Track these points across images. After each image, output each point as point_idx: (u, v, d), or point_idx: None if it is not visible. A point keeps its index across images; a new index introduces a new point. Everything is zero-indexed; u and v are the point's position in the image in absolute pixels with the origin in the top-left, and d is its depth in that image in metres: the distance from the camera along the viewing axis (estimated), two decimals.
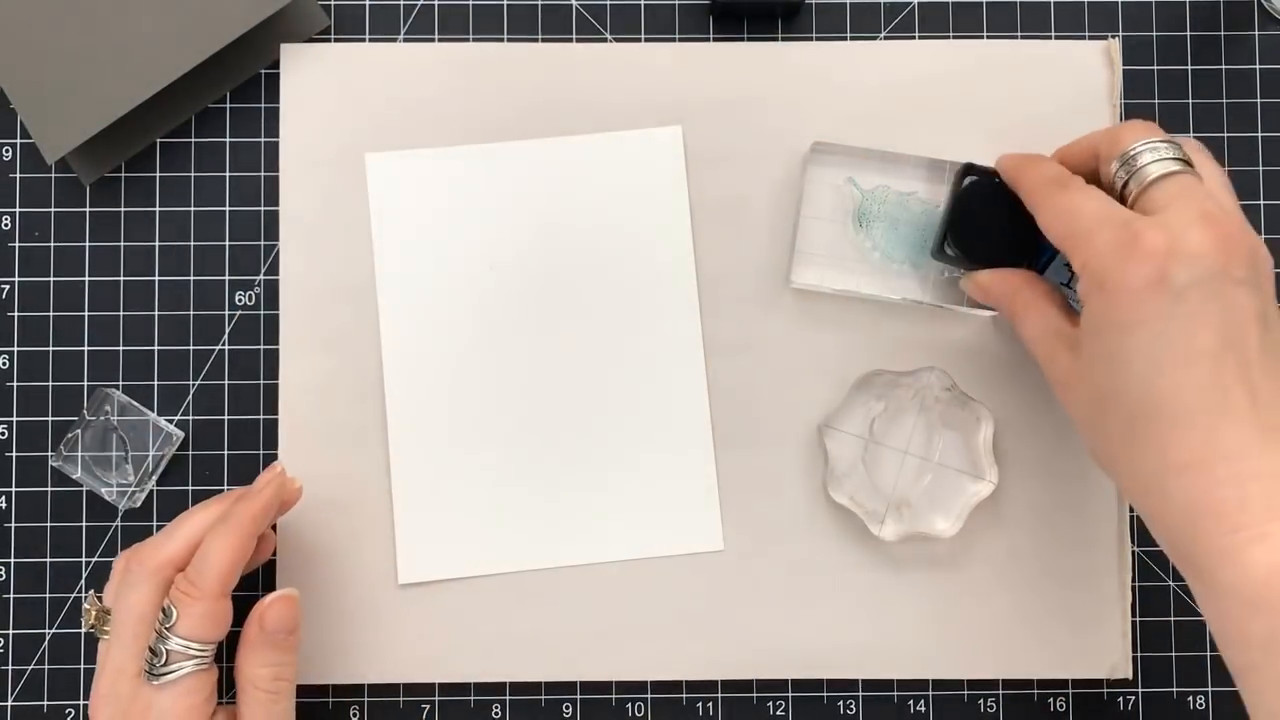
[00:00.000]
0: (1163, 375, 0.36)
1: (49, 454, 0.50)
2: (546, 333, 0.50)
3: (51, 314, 0.51)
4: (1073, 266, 0.40)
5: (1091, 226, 0.38)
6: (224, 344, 0.51)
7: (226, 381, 0.50)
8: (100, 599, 0.44)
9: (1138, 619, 0.50)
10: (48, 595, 0.50)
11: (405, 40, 0.52)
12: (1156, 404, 0.36)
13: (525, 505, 0.49)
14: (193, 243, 0.51)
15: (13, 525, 0.50)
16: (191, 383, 0.51)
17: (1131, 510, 0.50)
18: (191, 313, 0.51)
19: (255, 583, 0.50)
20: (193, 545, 0.43)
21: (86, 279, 0.51)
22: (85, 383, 0.50)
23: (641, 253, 0.50)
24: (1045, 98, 0.51)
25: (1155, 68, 0.52)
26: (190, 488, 0.50)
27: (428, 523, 0.49)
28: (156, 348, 0.51)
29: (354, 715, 0.50)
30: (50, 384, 0.50)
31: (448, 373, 0.50)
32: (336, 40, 0.51)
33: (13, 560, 0.50)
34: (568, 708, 0.50)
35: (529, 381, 0.50)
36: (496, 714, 0.50)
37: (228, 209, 0.51)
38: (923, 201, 0.49)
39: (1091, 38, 0.52)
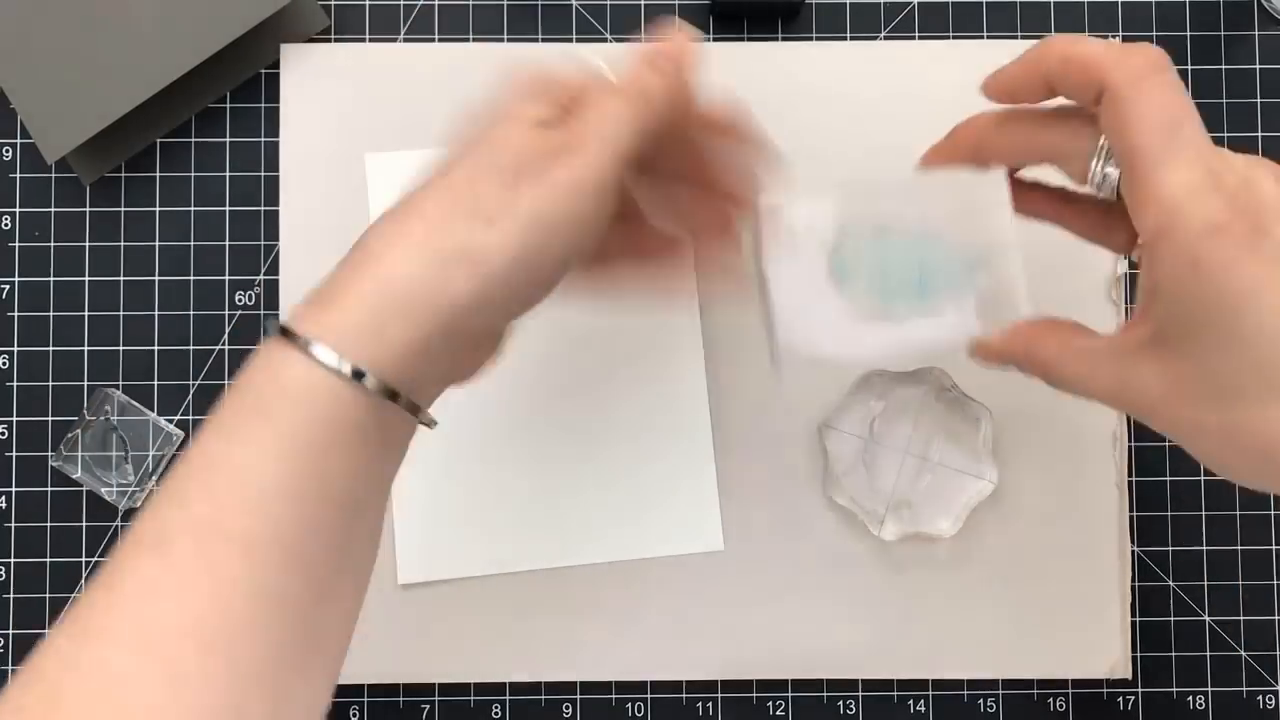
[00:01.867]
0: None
1: (49, 454, 0.50)
2: (546, 332, 0.50)
3: (51, 314, 0.51)
4: (1141, 214, 0.32)
5: (1185, 167, 0.31)
6: (224, 344, 0.51)
7: (226, 381, 0.50)
8: None
9: (1137, 619, 0.50)
10: (48, 595, 0.50)
11: (405, 40, 0.52)
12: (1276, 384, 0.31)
13: (525, 505, 0.49)
14: (193, 243, 0.51)
15: (13, 525, 0.50)
16: (191, 383, 0.51)
17: (1131, 510, 0.50)
18: (191, 313, 0.51)
19: None
20: None
21: (86, 279, 0.51)
22: (85, 383, 0.50)
23: None
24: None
25: None
26: None
27: (427, 523, 0.49)
28: (156, 348, 0.51)
29: (354, 715, 0.50)
30: (50, 384, 0.50)
31: None
32: (336, 40, 0.51)
33: (13, 560, 0.50)
34: (568, 708, 0.50)
35: (528, 381, 0.50)
36: (496, 714, 0.50)
37: (228, 209, 0.51)
38: (907, 229, 0.39)
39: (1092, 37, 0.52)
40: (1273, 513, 0.51)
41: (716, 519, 0.49)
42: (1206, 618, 0.51)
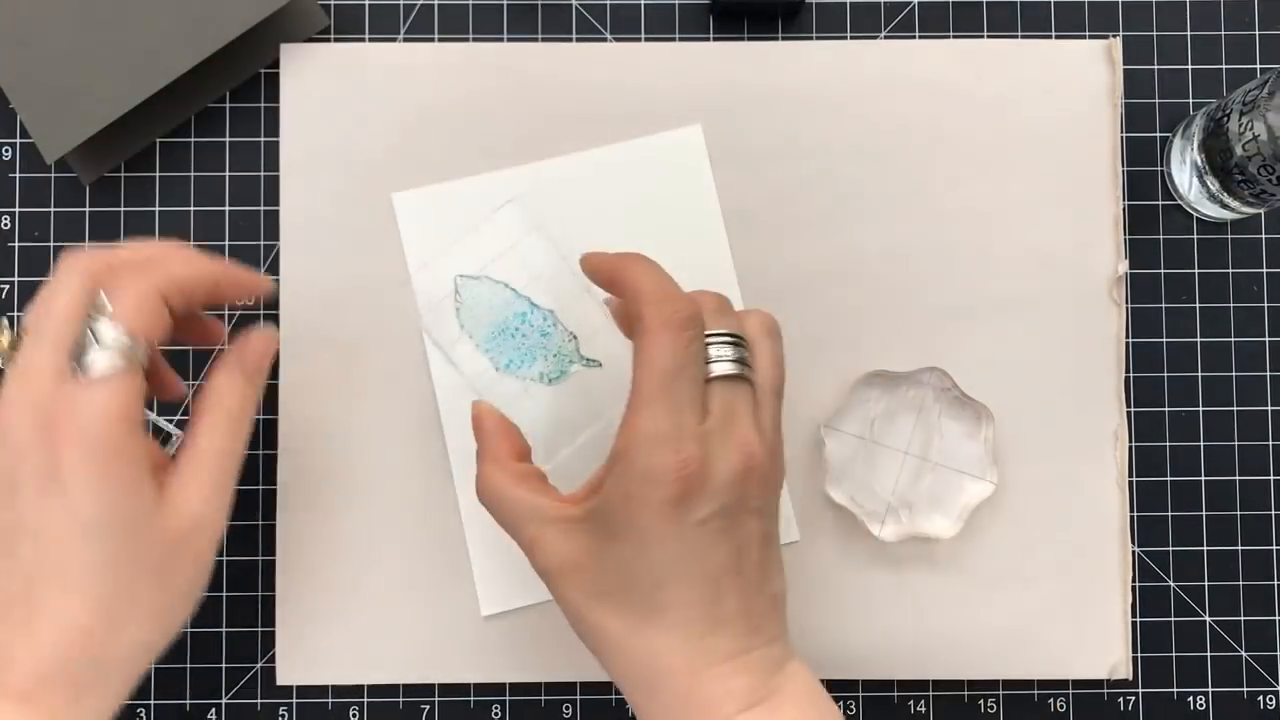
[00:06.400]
0: (668, 590, 0.37)
1: None
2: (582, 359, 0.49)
3: None
4: (620, 430, 0.37)
5: (657, 417, 0.36)
6: (224, 345, 0.51)
7: None
8: (16, 322, 0.40)
9: (1138, 619, 0.50)
10: None
11: (405, 40, 0.52)
12: (659, 611, 0.37)
13: None
14: (192, 243, 0.51)
15: None
16: (191, 383, 0.50)
17: (1132, 510, 0.50)
18: None
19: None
20: (133, 264, 0.39)
21: None
22: None
23: (681, 263, 0.49)
24: (1046, 97, 0.51)
25: (1156, 67, 0.52)
26: None
27: (503, 554, 0.49)
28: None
29: (354, 715, 0.50)
30: None
31: (494, 395, 0.48)
32: (336, 40, 0.51)
33: None
34: (567, 708, 0.50)
35: (566, 405, 0.47)
36: (496, 714, 0.50)
37: (227, 209, 0.51)
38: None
39: (1092, 37, 0.52)
40: (1273, 513, 0.51)
41: None
42: (1207, 618, 0.51)
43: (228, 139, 0.51)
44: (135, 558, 0.37)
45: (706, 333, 0.38)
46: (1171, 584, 0.51)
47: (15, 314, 0.38)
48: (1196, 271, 0.51)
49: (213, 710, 0.50)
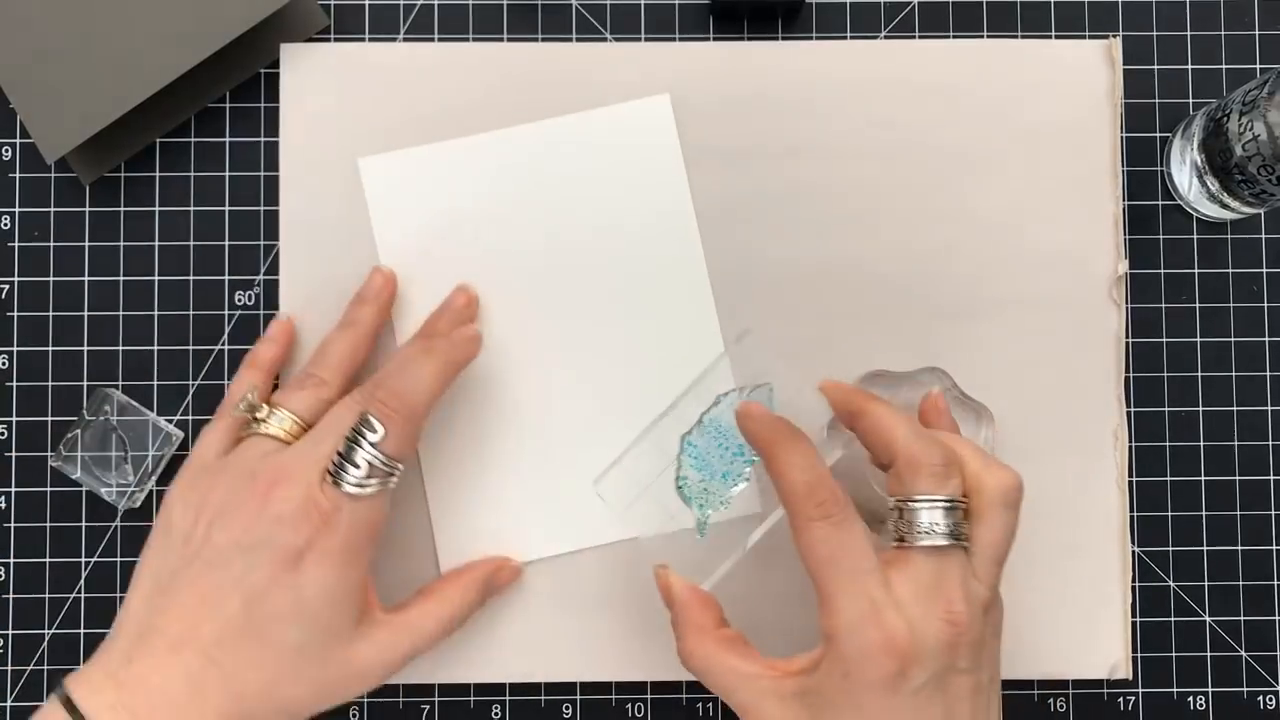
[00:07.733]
0: None
1: (48, 454, 0.50)
2: (554, 320, 0.50)
3: (51, 314, 0.51)
4: (819, 617, 0.40)
5: (847, 599, 0.38)
6: (224, 344, 0.51)
7: (226, 381, 0.50)
8: (251, 396, 0.45)
9: (1138, 619, 0.50)
10: (47, 596, 0.50)
11: (405, 40, 0.52)
12: None
13: (532, 498, 0.49)
14: (192, 242, 0.51)
15: (12, 525, 0.50)
16: (191, 383, 0.50)
17: (1132, 510, 0.50)
18: (191, 313, 0.51)
19: None
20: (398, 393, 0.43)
21: (86, 279, 0.51)
22: (85, 383, 0.50)
23: (646, 231, 0.50)
24: (1046, 98, 0.51)
25: (1156, 67, 0.52)
26: None
27: (463, 515, 0.49)
28: (156, 348, 0.51)
29: (354, 715, 0.50)
30: (50, 384, 0.50)
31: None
32: (336, 40, 0.51)
33: (12, 560, 0.50)
34: (568, 708, 0.50)
35: (537, 372, 0.49)
36: (496, 714, 0.50)
37: (227, 209, 0.51)
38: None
39: (1092, 37, 0.52)
40: (1273, 513, 0.51)
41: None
42: (1207, 618, 0.51)
43: (228, 139, 0.51)
44: (314, 655, 0.41)
45: (920, 495, 0.39)
46: (1171, 584, 0.51)
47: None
48: (1196, 271, 0.51)
49: None
